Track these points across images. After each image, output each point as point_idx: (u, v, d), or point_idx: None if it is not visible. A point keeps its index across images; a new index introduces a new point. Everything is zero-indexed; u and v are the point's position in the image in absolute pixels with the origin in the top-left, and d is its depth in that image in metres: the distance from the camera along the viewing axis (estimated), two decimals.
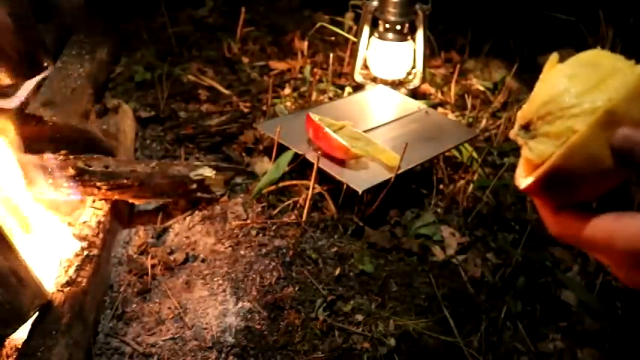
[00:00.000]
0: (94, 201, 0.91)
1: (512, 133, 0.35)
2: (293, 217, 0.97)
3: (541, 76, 0.35)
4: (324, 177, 0.98)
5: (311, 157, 0.96)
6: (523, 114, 0.35)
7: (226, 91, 1.36)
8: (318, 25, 1.58)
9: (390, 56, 1.31)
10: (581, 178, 0.32)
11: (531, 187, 0.33)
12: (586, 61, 0.33)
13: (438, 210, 1.04)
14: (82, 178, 0.87)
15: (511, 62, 1.38)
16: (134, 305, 0.82)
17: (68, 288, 0.74)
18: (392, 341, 0.79)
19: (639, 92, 0.31)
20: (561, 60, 0.35)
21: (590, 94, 0.31)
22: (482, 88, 1.50)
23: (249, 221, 0.95)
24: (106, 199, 0.91)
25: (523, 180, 0.34)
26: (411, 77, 1.37)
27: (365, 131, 1.07)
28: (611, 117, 0.30)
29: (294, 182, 1.02)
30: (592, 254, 0.35)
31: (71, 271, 0.77)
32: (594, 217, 0.33)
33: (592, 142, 0.31)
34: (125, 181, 0.90)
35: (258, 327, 0.79)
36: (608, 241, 0.32)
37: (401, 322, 0.82)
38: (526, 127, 0.34)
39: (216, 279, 0.86)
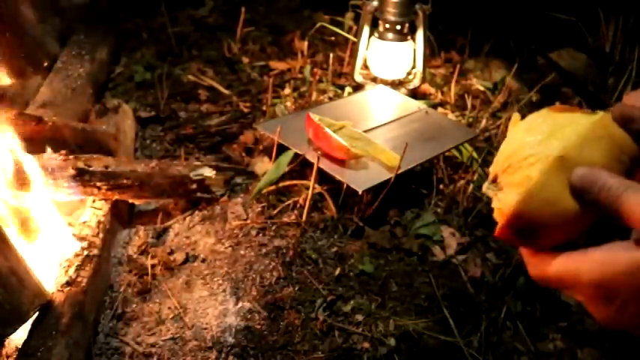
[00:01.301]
0: (94, 201, 0.90)
1: (484, 189, 0.38)
2: (293, 217, 0.97)
3: (507, 134, 0.38)
4: (324, 177, 0.98)
5: (311, 157, 0.96)
6: (491, 170, 0.38)
7: (226, 91, 1.36)
8: (318, 25, 1.58)
9: (390, 56, 1.31)
10: (545, 222, 0.33)
11: (502, 234, 0.35)
12: (544, 115, 0.36)
13: (438, 210, 1.04)
14: (82, 178, 0.87)
15: (511, 62, 1.38)
16: (134, 305, 0.82)
17: (68, 288, 0.74)
18: (392, 341, 0.79)
19: (591, 137, 0.33)
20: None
21: (545, 144, 0.34)
22: (482, 88, 1.50)
23: (249, 221, 0.95)
24: (106, 199, 0.91)
25: (497, 228, 0.37)
26: (411, 77, 1.37)
27: (365, 131, 1.07)
28: (564, 162, 0.33)
29: (294, 182, 1.02)
30: (567, 293, 0.36)
31: (71, 271, 0.77)
32: (563, 255, 0.34)
33: (548, 186, 0.33)
34: (125, 181, 0.90)
35: (258, 327, 0.79)
36: (575, 275, 0.33)
37: (401, 322, 0.82)
38: (494, 181, 0.37)
39: (216, 279, 0.86)
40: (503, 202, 0.35)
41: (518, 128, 0.37)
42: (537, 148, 0.34)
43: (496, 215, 0.37)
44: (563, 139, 0.34)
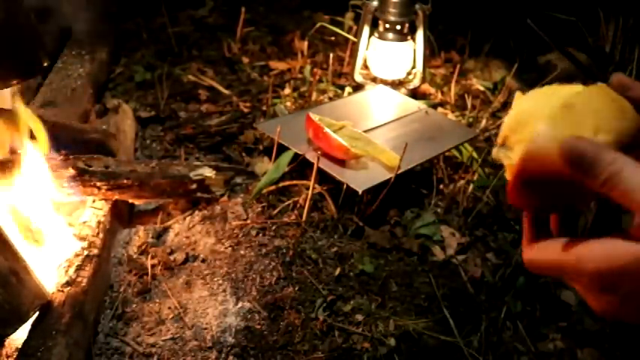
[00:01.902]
0: (94, 201, 0.90)
1: (494, 153, 0.38)
2: (293, 217, 0.97)
3: (512, 106, 0.39)
4: (324, 177, 0.98)
5: (311, 157, 0.96)
6: (499, 136, 0.39)
7: (226, 91, 1.36)
8: (318, 25, 1.58)
9: (390, 56, 1.31)
10: (554, 169, 0.32)
11: (510, 188, 0.35)
12: (547, 88, 0.37)
13: (438, 210, 1.04)
14: (82, 178, 0.87)
15: (511, 62, 1.38)
16: (134, 305, 0.82)
17: (68, 288, 0.74)
18: (392, 341, 0.79)
19: (592, 92, 0.34)
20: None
21: (549, 101, 0.35)
22: (482, 88, 1.50)
23: (249, 221, 0.95)
24: (106, 199, 0.91)
25: (508, 186, 0.37)
26: (411, 77, 1.37)
27: (365, 131, 1.07)
28: (570, 109, 0.33)
29: (294, 182, 1.02)
30: (566, 281, 0.36)
31: (71, 271, 0.77)
32: (565, 242, 0.34)
33: (555, 130, 0.32)
34: (125, 181, 0.90)
35: (258, 327, 0.79)
36: (576, 264, 0.32)
37: (401, 322, 0.82)
38: (503, 145, 0.38)
39: (216, 279, 0.86)
40: (514, 158, 0.36)
41: (523, 98, 0.38)
42: (542, 106, 0.35)
43: (507, 175, 0.37)
44: (564, 94, 0.34)
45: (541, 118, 0.33)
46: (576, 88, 0.35)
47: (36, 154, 0.82)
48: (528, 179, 0.34)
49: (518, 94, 0.39)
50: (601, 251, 0.31)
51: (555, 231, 0.39)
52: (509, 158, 0.37)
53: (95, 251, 0.82)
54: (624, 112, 0.33)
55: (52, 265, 0.80)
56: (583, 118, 0.32)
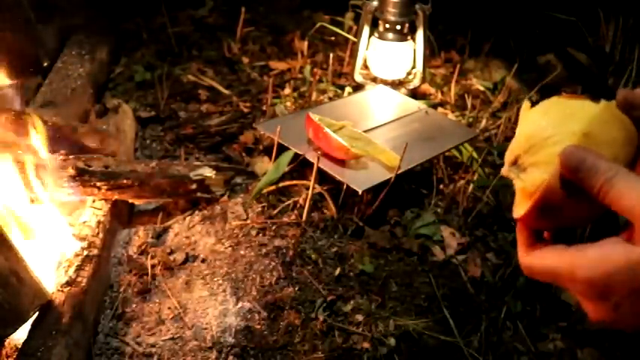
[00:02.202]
0: (94, 201, 0.90)
1: (504, 172, 0.39)
2: (293, 217, 0.97)
3: (519, 120, 0.39)
4: (324, 177, 0.98)
5: (311, 157, 0.96)
6: (509, 153, 0.38)
7: (226, 91, 1.36)
8: (318, 25, 1.58)
9: (390, 56, 1.31)
10: (571, 200, 0.34)
11: (530, 212, 0.36)
12: (555, 102, 0.38)
13: (438, 210, 1.04)
14: (82, 178, 0.87)
15: (511, 62, 1.38)
16: (134, 305, 0.82)
17: (68, 288, 0.74)
18: (392, 341, 0.79)
19: (605, 119, 0.34)
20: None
21: (565, 124, 0.35)
22: (482, 88, 1.50)
23: (249, 221, 0.95)
24: (106, 199, 0.91)
25: (520, 209, 0.37)
26: (411, 77, 1.37)
27: (365, 131, 1.07)
28: (588, 139, 0.34)
29: (294, 182, 1.02)
30: (564, 288, 0.36)
31: (71, 271, 0.77)
32: (560, 249, 0.34)
33: None
34: (125, 181, 0.90)
35: (258, 327, 0.79)
36: (571, 271, 0.32)
37: (401, 322, 0.82)
38: (515, 164, 0.38)
39: (216, 279, 0.86)
40: (529, 181, 0.36)
41: (533, 112, 0.38)
42: (558, 128, 0.35)
43: (519, 197, 0.37)
44: (582, 119, 0.34)
45: (559, 143, 0.34)
46: (587, 106, 0.35)
47: (39, 153, 0.82)
48: (546, 207, 0.35)
49: (525, 106, 0.39)
50: (593, 257, 0.31)
51: (549, 237, 0.39)
52: (522, 180, 0.37)
53: (95, 251, 0.82)
54: (631, 139, 0.35)
55: (52, 265, 0.80)
56: (601, 147, 0.33)
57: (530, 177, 0.36)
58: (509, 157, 0.38)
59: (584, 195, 0.33)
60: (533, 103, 0.39)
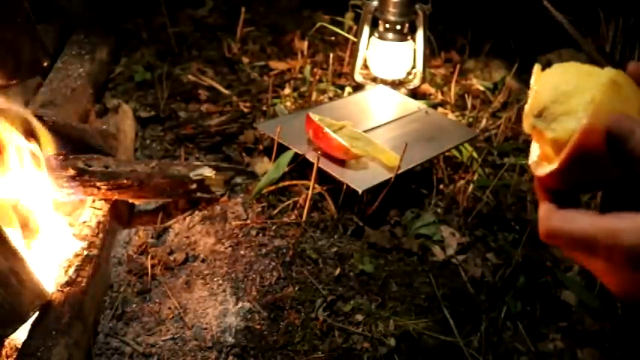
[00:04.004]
0: (94, 201, 0.90)
1: (528, 124, 0.36)
2: (293, 217, 0.97)
3: (533, 82, 0.38)
4: (324, 177, 0.98)
5: (311, 157, 0.96)
6: (532, 107, 0.36)
7: (226, 91, 1.36)
8: (318, 25, 1.58)
9: (390, 56, 1.31)
10: (600, 154, 0.32)
11: (564, 162, 0.33)
12: (569, 64, 0.37)
13: (438, 210, 1.04)
14: (82, 178, 0.87)
15: (511, 62, 1.38)
16: (134, 305, 0.82)
17: (68, 288, 0.74)
18: (392, 341, 0.79)
19: (624, 76, 0.34)
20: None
21: (589, 77, 0.34)
22: (482, 88, 1.50)
23: (249, 221, 0.95)
24: (106, 199, 0.91)
25: (545, 167, 0.35)
26: (411, 77, 1.37)
27: (365, 131, 1.07)
28: (617, 86, 0.33)
29: (294, 182, 1.02)
30: (582, 258, 0.34)
31: (71, 271, 0.77)
32: (593, 214, 0.32)
33: (611, 104, 0.32)
34: (125, 181, 0.90)
35: (258, 327, 0.79)
36: (612, 236, 0.30)
37: (401, 322, 0.82)
38: (540, 116, 0.36)
39: (216, 279, 0.86)
40: (561, 130, 0.34)
41: (553, 70, 0.37)
42: (583, 80, 0.34)
43: (546, 152, 0.36)
44: (604, 74, 0.34)
45: (588, 90, 0.33)
46: (600, 68, 0.35)
47: (39, 153, 0.82)
48: (582, 153, 0.32)
49: (537, 69, 0.38)
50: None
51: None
52: (554, 130, 0.34)
53: (95, 251, 0.82)
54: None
55: (52, 265, 0.80)
56: (629, 97, 0.33)
57: (562, 125, 0.34)
58: (533, 110, 0.36)
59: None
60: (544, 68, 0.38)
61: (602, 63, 0.38)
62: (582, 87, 0.34)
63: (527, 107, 0.37)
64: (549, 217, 0.34)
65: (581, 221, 0.32)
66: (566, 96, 0.34)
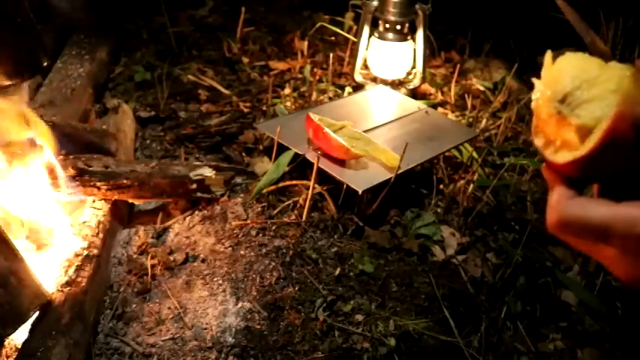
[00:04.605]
0: (94, 201, 0.90)
1: (550, 108, 0.36)
2: (293, 217, 0.97)
3: (544, 70, 0.37)
4: (324, 177, 0.98)
5: (311, 157, 0.96)
6: (555, 92, 0.36)
7: (226, 91, 1.36)
8: (318, 25, 1.58)
9: (390, 56, 1.31)
10: (628, 142, 0.32)
11: (592, 151, 0.32)
12: (581, 54, 0.36)
13: (438, 210, 1.04)
14: (82, 178, 0.87)
15: (511, 62, 1.38)
16: (134, 305, 0.82)
17: (68, 288, 0.74)
18: (392, 341, 0.79)
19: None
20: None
21: (606, 67, 0.34)
22: (482, 88, 1.50)
23: (249, 221, 0.95)
24: (106, 199, 0.91)
25: (568, 153, 0.34)
26: (411, 77, 1.37)
27: (365, 131, 1.07)
28: (638, 81, 0.32)
29: (294, 182, 1.02)
30: (591, 247, 0.34)
31: (71, 271, 0.77)
32: (609, 202, 0.32)
33: (636, 95, 0.32)
34: (125, 181, 0.90)
35: (258, 327, 0.79)
36: (630, 224, 0.30)
37: (401, 322, 0.82)
38: (563, 102, 0.35)
39: (216, 279, 0.86)
40: (588, 116, 0.33)
41: (564, 61, 0.37)
42: (602, 70, 0.34)
43: (570, 138, 0.35)
44: (619, 66, 0.34)
45: (613, 78, 0.33)
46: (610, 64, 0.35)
47: (42, 153, 0.82)
48: (612, 140, 0.32)
49: (549, 57, 0.38)
50: None
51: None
52: (579, 116, 0.34)
53: (95, 251, 0.82)
54: None
55: (52, 265, 0.80)
56: None
57: (587, 112, 0.33)
58: (556, 96, 0.35)
59: None
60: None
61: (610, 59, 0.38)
62: (604, 76, 0.34)
63: (536, 96, 0.37)
64: (566, 204, 0.34)
65: (600, 209, 0.32)
66: (589, 84, 0.34)
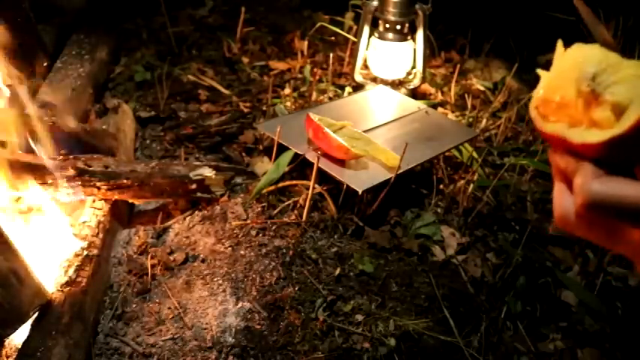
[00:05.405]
0: (94, 201, 0.90)
1: (586, 85, 0.34)
2: (293, 217, 0.97)
3: (556, 58, 0.38)
4: (324, 177, 0.98)
5: (311, 157, 0.96)
6: (584, 72, 0.35)
7: (226, 91, 1.36)
8: (318, 25, 1.58)
9: (390, 56, 1.31)
10: None
11: (631, 129, 0.31)
12: (594, 45, 0.36)
13: (438, 210, 1.04)
14: (82, 178, 0.87)
15: (511, 62, 1.38)
16: (134, 305, 0.82)
17: (68, 288, 0.74)
18: (392, 341, 0.79)
19: None
20: None
21: (621, 57, 0.34)
22: (482, 88, 1.50)
23: (249, 221, 0.95)
24: (106, 199, 0.91)
25: (598, 132, 0.33)
26: (411, 77, 1.37)
27: (365, 131, 1.07)
28: None
29: (294, 182, 1.02)
30: (618, 235, 0.32)
31: (71, 271, 0.77)
32: (636, 181, 0.30)
33: None
34: (125, 181, 0.90)
35: (258, 327, 0.79)
36: None
37: (401, 322, 0.82)
38: (593, 80, 0.34)
39: (216, 279, 0.86)
40: (622, 94, 0.33)
41: (582, 48, 0.37)
42: (618, 58, 0.34)
43: (602, 115, 0.34)
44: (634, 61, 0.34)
45: (632, 67, 0.33)
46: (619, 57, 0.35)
47: (40, 154, 0.82)
48: (636, 133, 0.31)
49: (560, 46, 0.38)
50: None
51: None
52: (613, 94, 0.33)
53: (95, 251, 0.82)
54: None
55: (52, 265, 0.80)
56: None
57: (619, 91, 0.33)
58: (587, 75, 0.34)
59: None
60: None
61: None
62: (624, 63, 0.34)
63: (541, 88, 0.37)
64: (597, 181, 0.31)
65: (629, 187, 0.30)
66: (613, 68, 0.34)
